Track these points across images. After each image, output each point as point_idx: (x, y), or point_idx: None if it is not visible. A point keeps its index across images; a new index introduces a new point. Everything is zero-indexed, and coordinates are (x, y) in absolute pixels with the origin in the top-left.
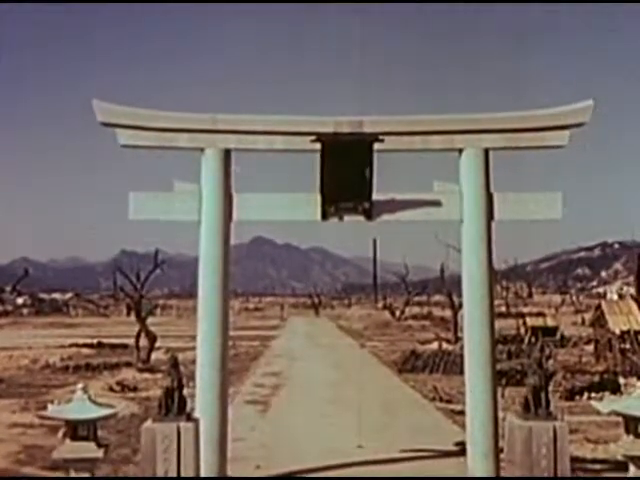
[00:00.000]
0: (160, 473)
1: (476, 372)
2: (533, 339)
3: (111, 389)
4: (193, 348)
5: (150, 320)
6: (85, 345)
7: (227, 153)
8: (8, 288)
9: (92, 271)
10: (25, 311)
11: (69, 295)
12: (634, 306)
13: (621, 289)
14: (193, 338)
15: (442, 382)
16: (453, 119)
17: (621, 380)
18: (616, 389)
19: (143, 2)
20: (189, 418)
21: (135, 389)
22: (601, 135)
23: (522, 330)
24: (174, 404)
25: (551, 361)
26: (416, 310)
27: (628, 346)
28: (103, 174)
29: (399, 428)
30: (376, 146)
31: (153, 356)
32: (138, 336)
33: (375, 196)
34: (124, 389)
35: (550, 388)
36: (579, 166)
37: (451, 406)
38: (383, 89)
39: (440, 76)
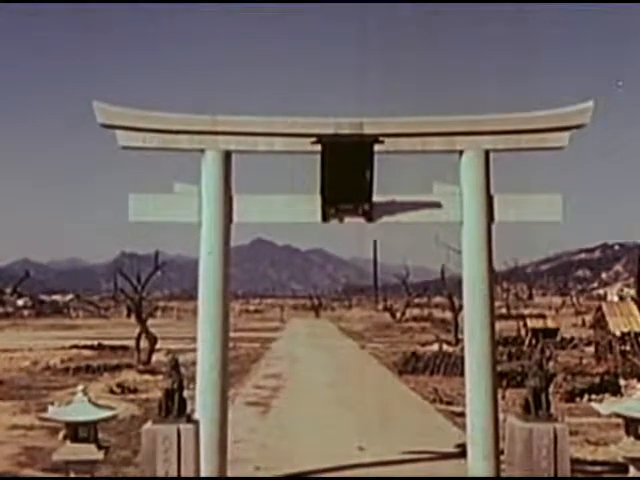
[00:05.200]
0: (160, 474)
1: (476, 374)
2: (533, 341)
3: (111, 391)
4: (193, 350)
5: (150, 322)
6: (85, 347)
7: (227, 154)
8: (8, 290)
9: (92, 273)
10: (25, 313)
11: (69, 297)
12: (634, 308)
13: (621, 291)
14: (193, 340)
15: (442, 384)
16: (453, 120)
17: (621, 382)
18: (616, 391)
19: (144, 2)
20: (189, 420)
21: (135, 391)
22: (601, 136)
23: (522, 332)
24: (174, 406)
25: (551, 363)
26: (416, 312)
27: (628, 348)
28: (103, 175)
29: (400, 430)
30: (376, 147)
31: (153, 358)
32: (138, 338)
33: (375, 198)
34: (124, 391)
35: (550, 390)
36: (579, 167)
37: (451, 408)
38: (383, 90)
39: (441, 77)
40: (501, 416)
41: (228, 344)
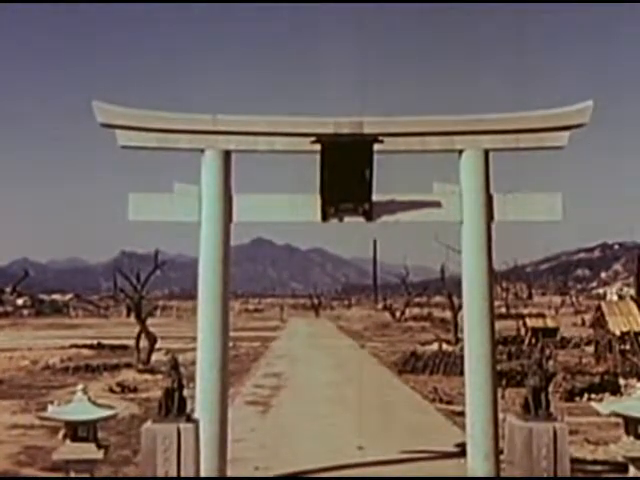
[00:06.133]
0: (160, 474)
1: (476, 373)
2: (533, 340)
3: (111, 390)
4: (193, 349)
5: (150, 321)
6: (85, 346)
7: (227, 154)
8: (8, 289)
9: (92, 272)
10: (25, 312)
11: (69, 296)
12: (634, 307)
13: (621, 290)
14: (193, 339)
15: (442, 383)
16: (453, 120)
17: (621, 381)
18: (616, 390)
19: (143, 2)
20: (189, 419)
21: (135, 390)
22: (601, 135)
23: (522, 331)
24: (174, 405)
25: (551, 362)
26: (416, 311)
27: (628, 347)
28: (103, 175)
29: (399, 429)
30: (376, 147)
31: (153, 357)
32: (138, 337)
33: (375, 197)
34: (124, 390)
35: (550, 389)
36: (579, 167)
37: (451, 407)
38: (383, 90)
39: (440, 77)
40: (501, 415)
41: (228, 343)
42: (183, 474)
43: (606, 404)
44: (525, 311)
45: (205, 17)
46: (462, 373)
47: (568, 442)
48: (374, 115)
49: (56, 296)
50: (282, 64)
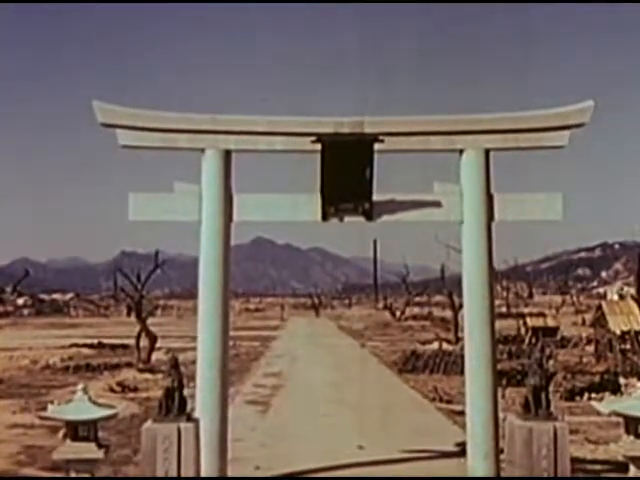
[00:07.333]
0: (160, 473)
1: (476, 372)
2: (533, 339)
3: (111, 389)
4: (193, 348)
5: (150, 320)
6: (85, 345)
7: (227, 154)
8: (8, 289)
9: (92, 271)
10: (25, 312)
11: (69, 295)
12: (634, 306)
13: (621, 289)
14: (193, 338)
15: (442, 382)
16: (453, 119)
17: (621, 380)
18: (616, 389)
19: (142, 2)
20: (189, 418)
21: (135, 389)
22: (601, 135)
23: (522, 330)
24: (174, 404)
25: (551, 361)
26: (416, 310)
27: (628, 346)
28: (103, 175)
29: (400, 428)
30: (376, 146)
31: (153, 356)
32: (138, 336)
33: (375, 197)
34: (124, 389)
35: (550, 388)
36: (579, 166)
37: (451, 406)
38: (383, 89)
39: (441, 76)
40: (501, 415)
41: (228, 342)
42: (183, 474)
43: (606, 403)
44: (525, 310)
45: (205, 17)
46: (462, 372)
47: (568, 441)
48: (374, 115)
49: (56, 295)
50: (282, 64)
